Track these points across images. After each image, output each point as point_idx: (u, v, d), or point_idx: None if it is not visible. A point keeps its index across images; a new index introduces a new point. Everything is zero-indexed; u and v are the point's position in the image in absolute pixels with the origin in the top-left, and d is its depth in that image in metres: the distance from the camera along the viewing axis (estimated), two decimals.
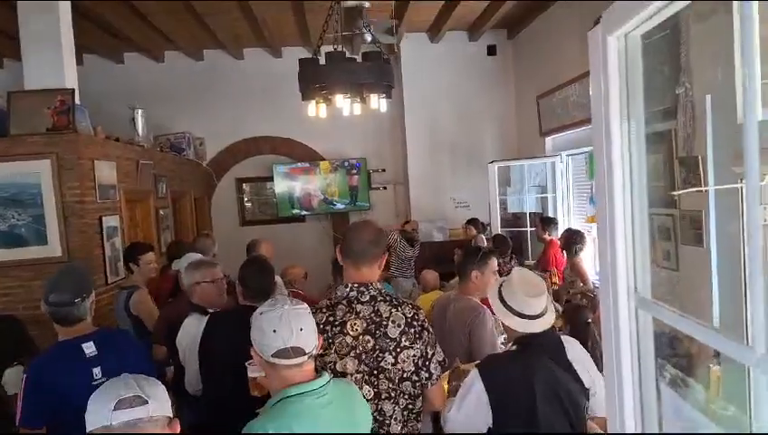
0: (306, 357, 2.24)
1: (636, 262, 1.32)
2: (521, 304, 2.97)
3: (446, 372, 3.53)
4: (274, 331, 2.19)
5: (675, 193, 4.18)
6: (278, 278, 5.49)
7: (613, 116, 1.37)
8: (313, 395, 2.22)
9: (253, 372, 2.80)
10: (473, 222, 9.26)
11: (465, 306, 4.07)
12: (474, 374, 2.89)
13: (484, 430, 2.88)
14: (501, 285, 3.12)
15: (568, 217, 8.89)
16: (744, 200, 2.98)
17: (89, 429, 1.75)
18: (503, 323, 3.09)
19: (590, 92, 1.47)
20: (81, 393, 2.90)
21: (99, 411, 1.74)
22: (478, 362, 3.20)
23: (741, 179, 3.22)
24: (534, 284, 3.11)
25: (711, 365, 3.25)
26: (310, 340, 2.25)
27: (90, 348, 3.10)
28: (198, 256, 5.63)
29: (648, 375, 1.32)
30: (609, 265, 1.36)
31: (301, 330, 2.21)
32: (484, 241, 8.45)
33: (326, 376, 2.31)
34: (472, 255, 4.28)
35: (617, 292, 1.35)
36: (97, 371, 3.06)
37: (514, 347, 3.02)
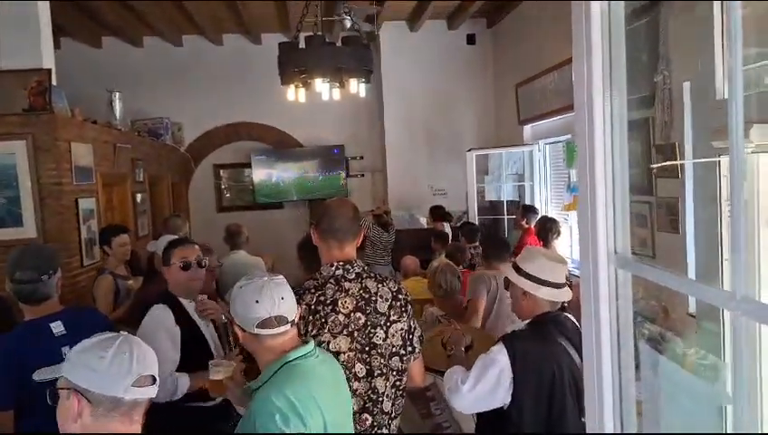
0: (290, 326, 2.28)
1: (616, 222, 1.33)
2: (549, 273, 2.94)
3: (434, 331, 3.54)
4: (257, 301, 2.21)
5: (654, 166, 4.23)
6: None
7: (596, 79, 1.38)
8: (310, 356, 2.30)
9: (216, 374, 2.76)
10: (437, 210, 9.28)
11: None
12: (498, 349, 2.86)
13: (495, 406, 2.88)
14: (516, 264, 3.07)
15: (545, 205, 8.96)
16: (720, 177, 3.03)
17: (97, 390, 1.72)
18: (523, 302, 3.03)
19: (573, 62, 1.47)
20: None
21: (115, 381, 1.70)
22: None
23: (719, 155, 3.29)
24: (552, 252, 3.08)
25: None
26: (291, 308, 2.30)
27: (58, 327, 3.02)
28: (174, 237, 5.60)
29: (627, 335, 1.33)
30: (588, 226, 1.37)
31: (282, 299, 2.25)
32: (446, 228, 8.50)
33: (312, 341, 2.39)
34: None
35: (597, 252, 1.36)
36: (66, 350, 2.96)
37: (527, 326, 3.00)
